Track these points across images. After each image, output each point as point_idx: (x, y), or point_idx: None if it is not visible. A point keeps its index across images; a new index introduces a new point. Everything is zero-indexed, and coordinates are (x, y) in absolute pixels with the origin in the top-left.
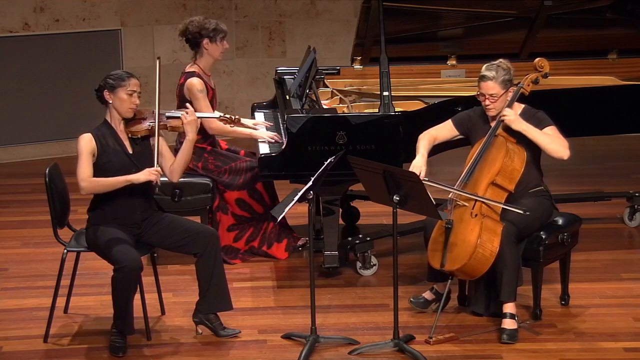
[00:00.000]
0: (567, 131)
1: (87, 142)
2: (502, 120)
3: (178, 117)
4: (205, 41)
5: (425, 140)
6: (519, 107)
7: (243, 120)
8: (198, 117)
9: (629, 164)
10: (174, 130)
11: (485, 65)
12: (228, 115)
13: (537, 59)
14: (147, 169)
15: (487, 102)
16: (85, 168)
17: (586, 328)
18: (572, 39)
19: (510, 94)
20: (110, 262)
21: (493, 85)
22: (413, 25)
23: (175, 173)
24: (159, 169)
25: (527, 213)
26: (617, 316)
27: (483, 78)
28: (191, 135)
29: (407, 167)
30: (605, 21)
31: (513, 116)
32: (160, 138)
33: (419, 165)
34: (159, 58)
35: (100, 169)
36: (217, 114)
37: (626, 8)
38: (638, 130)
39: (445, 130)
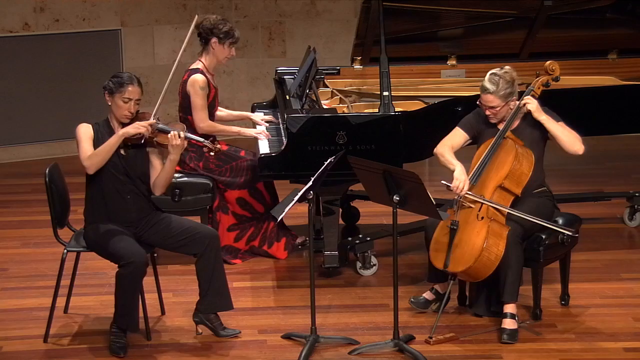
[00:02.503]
0: None
1: (85, 130)
2: (521, 107)
3: (165, 132)
4: (214, 40)
5: (448, 153)
6: None
7: (245, 131)
8: (186, 138)
9: (629, 164)
10: (160, 145)
11: (488, 74)
12: (212, 146)
13: (549, 62)
14: (137, 122)
15: (488, 112)
16: (87, 149)
17: (586, 328)
18: (572, 39)
19: (512, 104)
20: (114, 260)
21: (493, 98)
22: (413, 25)
23: (157, 188)
24: (152, 121)
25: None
26: (617, 316)
27: (484, 90)
28: (174, 156)
29: (407, 167)
30: (605, 21)
31: (535, 105)
32: (154, 151)
33: (461, 178)
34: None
35: None
36: (205, 141)
37: (626, 8)
38: (638, 130)
39: (458, 138)
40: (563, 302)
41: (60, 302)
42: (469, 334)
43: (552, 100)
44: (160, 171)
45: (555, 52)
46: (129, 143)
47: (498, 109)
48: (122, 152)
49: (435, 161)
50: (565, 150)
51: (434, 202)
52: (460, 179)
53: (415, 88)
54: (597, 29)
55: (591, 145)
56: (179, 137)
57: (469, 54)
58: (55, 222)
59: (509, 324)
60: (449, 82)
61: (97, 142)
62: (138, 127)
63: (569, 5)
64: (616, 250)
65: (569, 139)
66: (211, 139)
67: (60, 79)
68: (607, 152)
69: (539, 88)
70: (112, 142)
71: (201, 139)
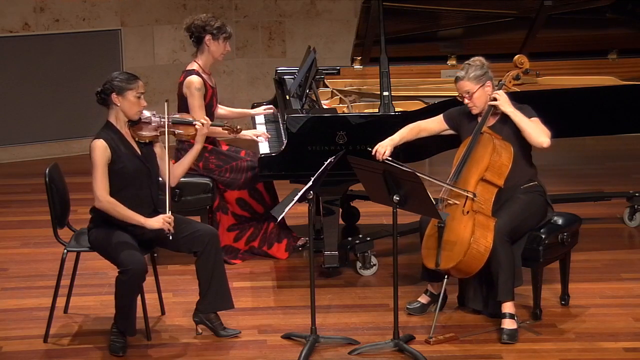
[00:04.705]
0: (567, 131)
1: (102, 152)
2: (492, 100)
3: (185, 123)
4: (208, 37)
5: (407, 128)
6: None
7: (244, 132)
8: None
9: (629, 164)
10: (178, 137)
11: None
12: (230, 125)
13: (517, 56)
14: (162, 216)
15: (466, 100)
16: (102, 182)
17: (586, 328)
18: (572, 39)
19: (488, 88)
20: (115, 264)
21: (464, 83)
22: (413, 25)
23: (175, 178)
24: (172, 217)
25: (471, 195)
26: (617, 316)
27: (456, 79)
28: (200, 145)
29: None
30: (605, 21)
31: (502, 99)
32: (159, 145)
33: (384, 144)
34: (167, 100)
35: (115, 174)
36: (220, 122)
37: (626, 8)
38: (638, 130)
39: (435, 123)
40: (563, 302)
41: (60, 302)
42: (468, 334)
43: (552, 101)
44: (182, 161)
45: (555, 52)
46: (147, 141)
47: (473, 93)
48: (139, 152)
49: (435, 161)
50: (531, 143)
51: (434, 202)
52: (382, 145)
53: (415, 88)
54: (597, 29)
55: (591, 145)
56: (206, 124)
57: (469, 54)
58: (55, 222)
59: (508, 324)
60: (449, 82)
61: (116, 155)
62: (163, 223)
63: (568, 5)
64: (616, 250)
65: (534, 130)
66: (211, 139)
67: (60, 79)
68: (607, 152)
69: (510, 82)
70: (132, 218)
71: (221, 124)
